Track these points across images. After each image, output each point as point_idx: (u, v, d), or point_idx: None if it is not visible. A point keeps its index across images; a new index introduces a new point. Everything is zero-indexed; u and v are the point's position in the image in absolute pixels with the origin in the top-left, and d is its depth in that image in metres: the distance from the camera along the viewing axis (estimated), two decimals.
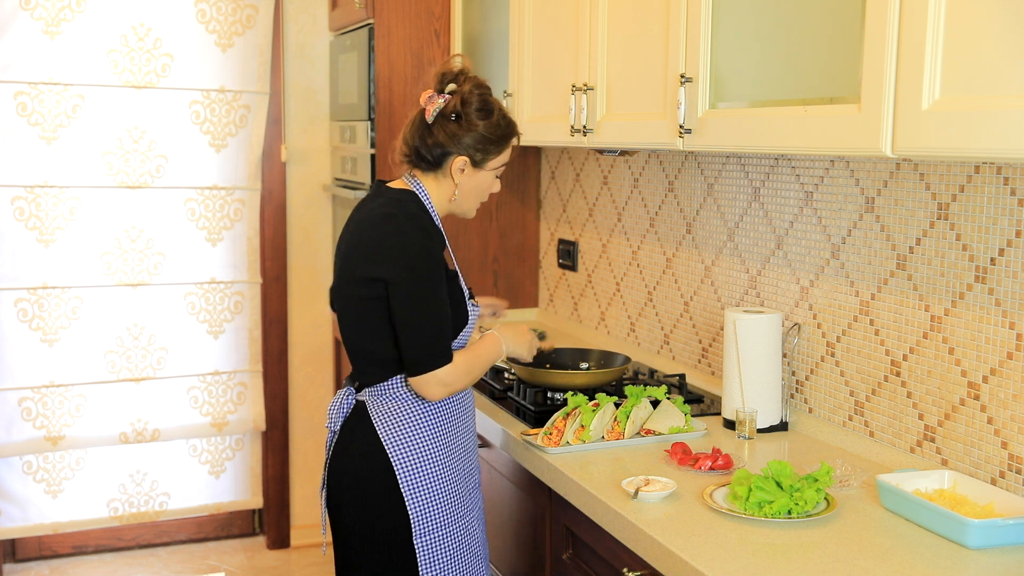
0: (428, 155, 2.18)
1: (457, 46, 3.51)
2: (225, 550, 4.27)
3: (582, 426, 2.24)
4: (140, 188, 3.92)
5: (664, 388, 2.43)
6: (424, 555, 2.14)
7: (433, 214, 2.20)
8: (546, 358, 2.75)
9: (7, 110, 3.71)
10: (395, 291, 2.08)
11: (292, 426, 4.30)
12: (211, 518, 4.31)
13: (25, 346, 3.84)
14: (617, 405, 2.32)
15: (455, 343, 2.18)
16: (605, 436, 2.27)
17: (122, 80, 3.83)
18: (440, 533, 2.16)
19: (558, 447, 2.21)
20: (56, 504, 4.00)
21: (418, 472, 2.14)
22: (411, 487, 2.13)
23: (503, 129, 2.20)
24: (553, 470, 2.16)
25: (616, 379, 2.66)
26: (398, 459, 2.13)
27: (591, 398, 2.36)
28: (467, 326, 2.21)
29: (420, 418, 2.16)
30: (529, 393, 2.58)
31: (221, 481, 4.24)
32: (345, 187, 3.82)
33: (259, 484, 4.30)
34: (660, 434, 2.31)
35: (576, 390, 2.51)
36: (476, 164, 2.19)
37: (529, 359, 2.42)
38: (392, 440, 2.14)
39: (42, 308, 3.84)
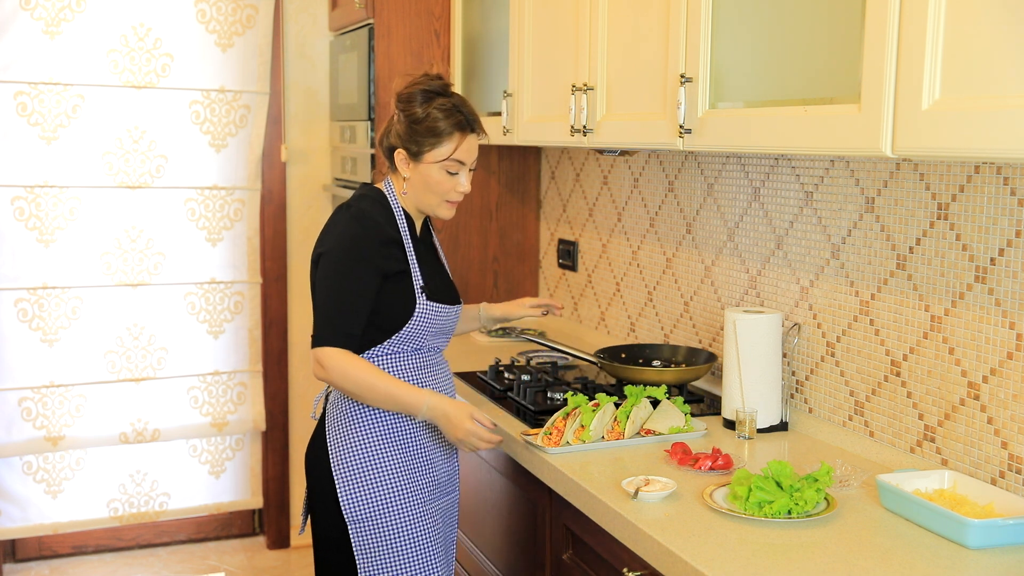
0: (384, 153, 2.29)
1: (457, 46, 3.51)
2: (225, 550, 4.27)
3: (582, 426, 2.24)
4: (140, 188, 3.92)
5: (664, 388, 2.43)
6: (359, 548, 2.19)
7: (396, 210, 2.25)
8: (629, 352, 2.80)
9: (7, 110, 3.71)
10: (318, 267, 2.19)
11: (292, 426, 4.30)
12: (211, 518, 4.31)
13: (25, 346, 3.84)
14: (617, 405, 2.32)
15: (400, 336, 2.20)
16: (605, 436, 2.26)
17: (122, 80, 3.83)
18: (374, 524, 2.18)
19: (558, 447, 2.21)
20: (56, 504, 4.00)
21: (350, 464, 2.19)
22: (342, 476, 2.19)
23: (431, 122, 2.19)
24: (553, 470, 2.15)
25: (702, 376, 2.63)
26: (335, 451, 2.21)
27: (591, 398, 2.36)
28: (411, 320, 2.20)
29: (362, 411, 2.21)
30: (529, 393, 2.58)
31: (221, 481, 4.24)
32: (345, 187, 3.82)
33: (259, 484, 4.30)
34: (660, 434, 2.30)
35: (659, 384, 2.52)
36: (413, 156, 2.22)
37: (459, 446, 2.18)
38: (332, 430, 2.23)
39: (42, 308, 3.84)
